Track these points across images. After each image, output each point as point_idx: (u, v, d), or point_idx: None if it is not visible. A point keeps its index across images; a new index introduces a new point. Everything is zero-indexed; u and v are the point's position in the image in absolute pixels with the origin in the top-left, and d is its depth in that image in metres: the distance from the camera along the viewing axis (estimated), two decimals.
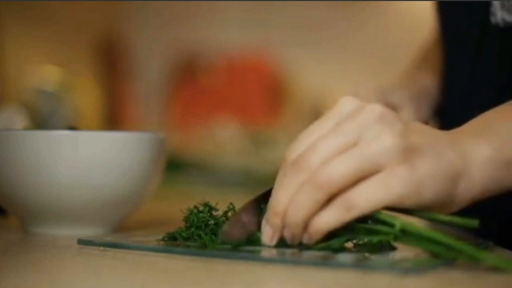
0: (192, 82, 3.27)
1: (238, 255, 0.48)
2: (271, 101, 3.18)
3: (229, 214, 0.53)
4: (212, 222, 0.53)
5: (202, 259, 0.48)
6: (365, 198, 0.46)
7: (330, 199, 0.46)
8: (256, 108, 3.14)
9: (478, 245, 0.50)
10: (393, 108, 0.72)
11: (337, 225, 0.47)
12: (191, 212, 0.53)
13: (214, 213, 0.54)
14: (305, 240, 0.48)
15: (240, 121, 2.76)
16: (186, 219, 0.53)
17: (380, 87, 0.74)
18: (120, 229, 0.63)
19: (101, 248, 0.53)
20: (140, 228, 0.63)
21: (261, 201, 0.52)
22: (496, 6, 0.65)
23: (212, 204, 0.54)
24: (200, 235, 0.51)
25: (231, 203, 0.54)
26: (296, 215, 0.47)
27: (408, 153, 0.46)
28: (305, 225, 0.47)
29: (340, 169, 0.46)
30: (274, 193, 0.49)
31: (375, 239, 0.48)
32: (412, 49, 0.98)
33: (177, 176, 1.53)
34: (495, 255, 0.45)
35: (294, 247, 0.49)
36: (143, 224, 0.67)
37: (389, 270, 0.43)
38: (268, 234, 0.49)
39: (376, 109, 0.48)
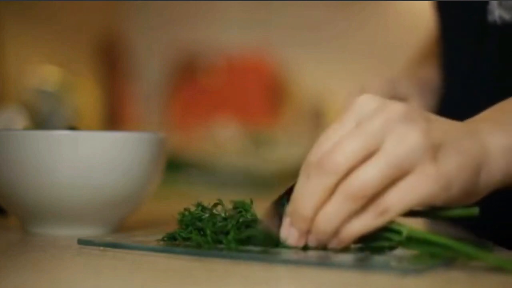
0: (192, 82, 3.27)
1: (238, 255, 0.48)
2: (271, 101, 3.17)
3: (218, 208, 0.53)
4: (206, 215, 0.53)
5: (202, 259, 0.48)
6: (397, 202, 0.46)
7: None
8: (256, 108, 3.13)
9: (478, 245, 0.50)
10: (401, 98, 0.72)
11: (369, 230, 0.47)
12: (183, 215, 0.53)
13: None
14: (334, 245, 0.48)
15: (240, 121, 2.76)
16: (180, 222, 0.53)
17: (388, 78, 0.75)
18: (120, 229, 0.63)
19: (101, 248, 0.53)
20: (140, 228, 0.63)
21: (281, 203, 0.51)
22: (493, 4, 0.66)
23: (206, 204, 0.54)
24: (203, 232, 0.51)
25: (219, 199, 0.54)
26: (327, 225, 0.47)
27: (433, 151, 0.46)
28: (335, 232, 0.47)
29: (372, 178, 0.45)
30: (298, 196, 0.48)
31: (383, 246, 0.48)
32: (412, 49, 0.98)
33: (177, 176, 1.53)
34: (495, 255, 0.45)
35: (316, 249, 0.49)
36: (143, 224, 0.67)
37: (389, 270, 0.43)
38: (294, 237, 0.49)
39: (398, 108, 0.47)
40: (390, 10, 3.12)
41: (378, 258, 0.47)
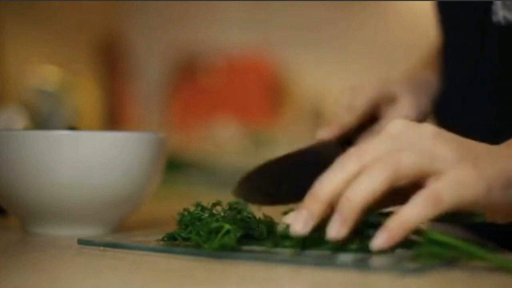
0: (192, 82, 3.27)
1: (237, 255, 0.48)
2: (271, 101, 3.17)
3: (217, 208, 0.53)
4: (206, 215, 0.53)
5: (202, 259, 0.48)
6: (451, 192, 0.44)
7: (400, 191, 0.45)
8: (256, 108, 3.14)
9: (479, 245, 0.50)
10: (392, 99, 0.72)
11: (422, 220, 0.44)
12: (182, 215, 0.53)
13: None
14: (379, 242, 0.44)
15: (240, 121, 2.77)
16: (180, 222, 0.53)
17: (379, 79, 0.75)
18: (120, 229, 0.63)
19: (101, 248, 0.53)
20: (140, 228, 0.63)
21: (282, 163, 0.52)
22: (497, 5, 0.66)
23: (206, 204, 0.54)
24: (199, 233, 0.51)
25: (218, 200, 0.54)
26: (361, 194, 0.44)
27: (472, 160, 0.46)
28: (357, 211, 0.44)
29: (408, 159, 0.45)
30: (319, 182, 0.46)
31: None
32: (412, 49, 0.98)
33: (177, 176, 1.53)
34: (497, 255, 0.45)
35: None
36: (143, 224, 0.67)
37: (389, 270, 0.43)
38: (301, 220, 0.46)
39: (429, 127, 0.48)
40: (390, 10, 3.12)
41: (378, 258, 0.47)
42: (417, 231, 0.47)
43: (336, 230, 0.45)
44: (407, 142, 0.47)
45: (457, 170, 0.46)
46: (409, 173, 0.45)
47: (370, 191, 0.44)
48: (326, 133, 0.68)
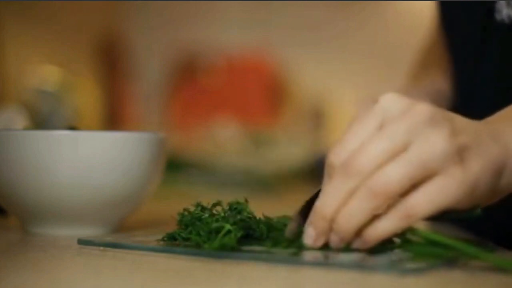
0: (192, 82, 3.27)
1: (237, 255, 0.48)
2: (271, 101, 3.17)
3: (216, 208, 0.53)
4: (206, 215, 0.53)
5: (202, 259, 0.48)
6: (424, 204, 0.45)
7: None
8: (256, 108, 3.13)
9: (479, 245, 0.50)
10: None
11: (395, 232, 0.46)
12: (182, 215, 0.53)
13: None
14: (357, 245, 0.47)
15: (240, 121, 2.76)
16: (180, 223, 0.53)
17: (399, 88, 0.74)
18: (120, 229, 0.63)
19: (101, 248, 0.53)
20: (140, 228, 0.63)
21: (307, 209, 0.51)
22: (501, 3, 0.66)
23: (206, 204, 0.54)
24: (199, 233, 0.51)
25: (218, 200, 0.54)
26: (349, 222, 0.46)
27: (459, 154, 0.46)
28: (357, 232, 0.47)
29: (396, 177, 0.45)
30: (321, 197, 0.48)
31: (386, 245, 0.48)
32: (412, 49, 0.98)
33: (177, 176, 1.53)
34: (496, 255, 0.45)
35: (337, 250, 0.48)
36: (143, 224, 0.67)
37: (389, 270, 0.43)
38: (311, 236, 0.48)
39: (424, 110, 0.47)
40: (390, 10, 3.12)
41: (378, 258, 0.47)
42: (417, 231, 0.47)
43: (335, 245, 0.48)
44: (397, 135, 0.46)
45: (441, 177, 0.46)
46: (398, 190, 0.45)
47: (361, 218, 0.46)
48: None
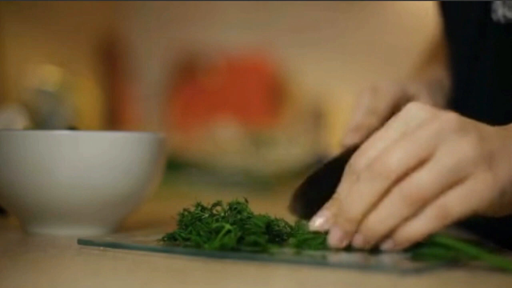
0: (192, 82, 3.27)
1: (238, 255, 0.48)
2: (271, 101, 3.17)
3: (217, 208, 0.53)
4: (206, 215, 0.53)
5: (202, 259, 0.48)
6: (459, 205, 0.45)
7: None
8: (256, 108, 3.13)
9: (479, 246, 0.50)
10: (411, 99, 0.71)
11: (428, 233, 0.46)
12: (182, 215, 0.53)
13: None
14: (387, 247, 0.47)
15: (240, 121, 2.76)
16: (180, 223, 0.53)
17: (398, 80, 0.74)
18: (120, 229, 0.63)
19: (101, 248, 0.53)
20: (140, 228, 0.63)
21: (325, 174, 0.51)
22: (497, 3, 0.66)
23: (206, 204, 0.54)
24: (199, 233, 0.51)
25: (218, 200, 0.54)
26: (381, 226, 0.46)
27: (487, 161, 0.46)
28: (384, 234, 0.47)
29: (429, 181, 0.45)
30: (347, 199, 0.47)
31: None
32: (411, 49, 0.98)
33: (177, 176, 1.53)
34: (497, 256, 0.45)
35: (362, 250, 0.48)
36: (143, 224, 0.67)
37: (389, 270, 0.43)
38: (337, 237, 0.48)
39: (451, 118, 0.47)
40: (389, 10, 3.12)
41: (378, 258, 0.47)
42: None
43: (359, 245, 0.48)
44: (424, 140, 0.46)
45: (472, 181, 0.46)
46: (431, 195, 0.45)
47: (393, 222, 0.46)
48: (352, 138, 0.65)
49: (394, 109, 0.70)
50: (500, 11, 0.65)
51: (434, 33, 0.89)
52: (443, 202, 0.45)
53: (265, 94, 3.18)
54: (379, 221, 0.46)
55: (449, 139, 0.46)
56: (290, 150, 2.26)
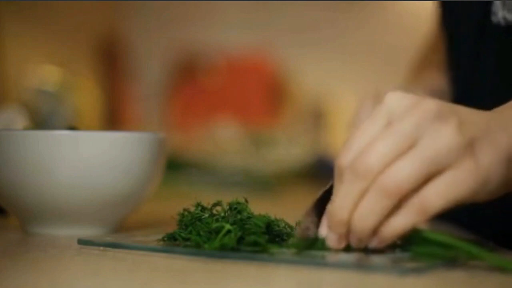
0: (192, 82, 3.27)
1: (237, 255, 0.48)
2: (271, 101, 3.17)
3: (217, 208, 0.53)
4: (206, 215, 0.53)
5: (202, 259, 0.48)
6: (438, 198, 0.45)
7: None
8: (256, 108, 3.13)
9: (478, 245, 0.50)
10: None
11: (410, 228, 0.46)
12: (182, 215, 0.53)
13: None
14: (374, 244, 0.47)
15: (240, 121, 2.76)
16: (180, 223, 0.53)
17: (400, 86, 0.74)
18: (120, 229, 0.63)
19: (101, 248, 0.53)
20: (140, 228, 0.63)
21: (321, 203, 0.51)
22: (497, 5, 0.66)
23: (206, 204, 0.54)
24: (199, 234, 0.51)
25: (218, 200, 0.54)
26: (364, 223, 0.46)
27: (469, 147, 0.46)
28: (373, 230, 0.47)
29: (406, 174, 0.45)
30: (334, 201, 0.48)
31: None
32: (411, 49, 0.98)
33: (177, 176, 1.53)
34: (496, 255, 0.45)
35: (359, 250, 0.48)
36: (143, 224, 0.67)
37: (389, 270, 0.43)
38: (333, 240, 0.48)
39: (430, 105, 0.46)
40: (389, 10, 3.12)
41: (378, 258, 0.47)
42: (417, 231, 0.47)
43: (355, 245, 0.48)
44: (405, 132, 0.46)
45: (454, 171, 0.45)
46: (409, 187, 0.45)
47: (376, 217, 0.46)
48: None
49: None
50: (500, 14, 0.65)
51: (428, 35, 0.89)
52: (422, 196, 0.45)
53: (265, 94, 3.18)
54: (362, 218, 0.46)
55: (429, 128, 0.46)
56: (290, 150, 2.26)
